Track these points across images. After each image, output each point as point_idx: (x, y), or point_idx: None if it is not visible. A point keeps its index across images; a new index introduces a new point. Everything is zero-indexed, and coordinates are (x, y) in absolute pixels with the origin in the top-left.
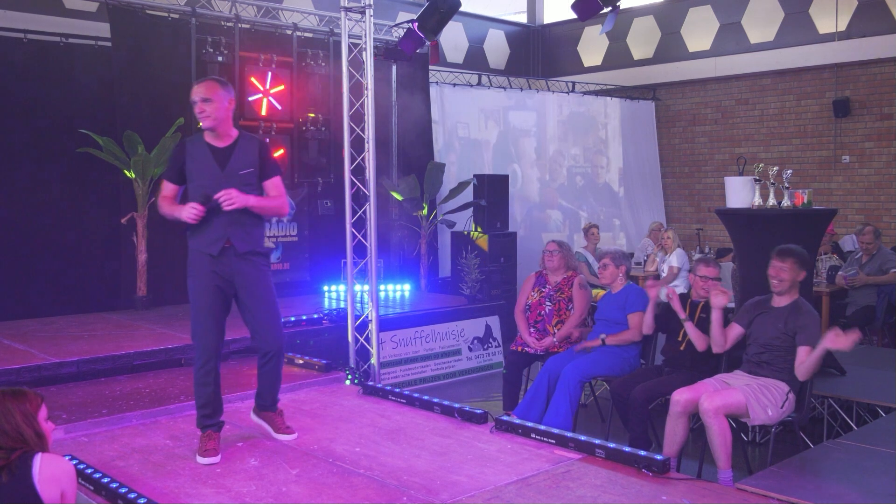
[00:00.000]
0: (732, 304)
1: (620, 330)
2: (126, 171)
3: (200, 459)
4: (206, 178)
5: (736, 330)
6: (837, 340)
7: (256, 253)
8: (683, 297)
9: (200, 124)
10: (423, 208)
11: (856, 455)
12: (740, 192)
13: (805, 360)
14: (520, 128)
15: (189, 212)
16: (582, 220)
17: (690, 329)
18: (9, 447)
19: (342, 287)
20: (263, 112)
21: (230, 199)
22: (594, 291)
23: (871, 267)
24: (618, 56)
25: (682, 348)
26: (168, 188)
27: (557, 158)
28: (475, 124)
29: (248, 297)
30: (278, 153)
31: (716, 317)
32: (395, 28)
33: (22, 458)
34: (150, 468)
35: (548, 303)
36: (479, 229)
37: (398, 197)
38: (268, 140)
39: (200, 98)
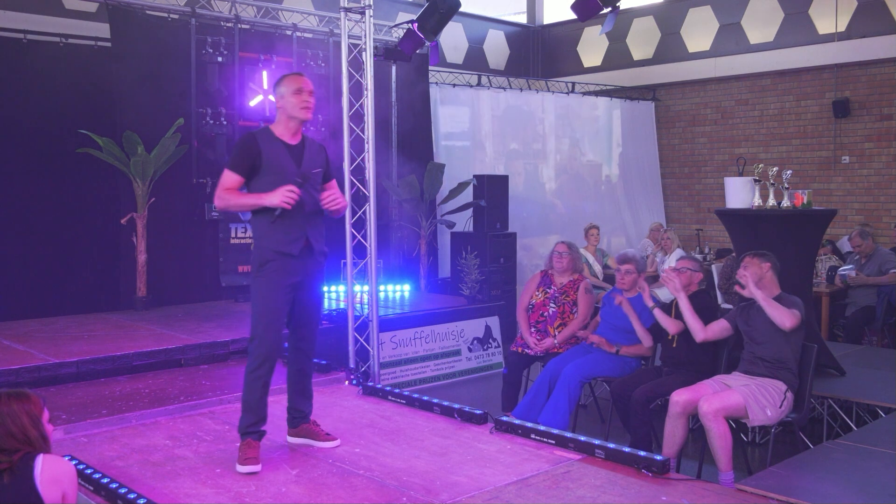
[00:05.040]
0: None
1: (627, 336)
2: (126, 171)
3: (241, 468)
4: (282, 174)
5: (721, 324)
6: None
7: (324, 252)
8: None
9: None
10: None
11: (856, 455)
12: (740, 193)
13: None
14: (519, 127)
15: (286, 195)
16: (580, 220)
17: (658, 315)
18: (12, 448)
19: (342, 287)
20: (264, 112)
21: (336, 200)
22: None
23: (871, 268)
24: (617, 56)
25: (674, 345)
26: (232, 180)
27: (556, 158)
28: (475, 124)
29: (307, 296)
30: None
31: (681, 303)
32: (395, 28)
33: (24, 459)
34: (150, 468)
35: (552, 305)
36: None
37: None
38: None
39: (308, 90)
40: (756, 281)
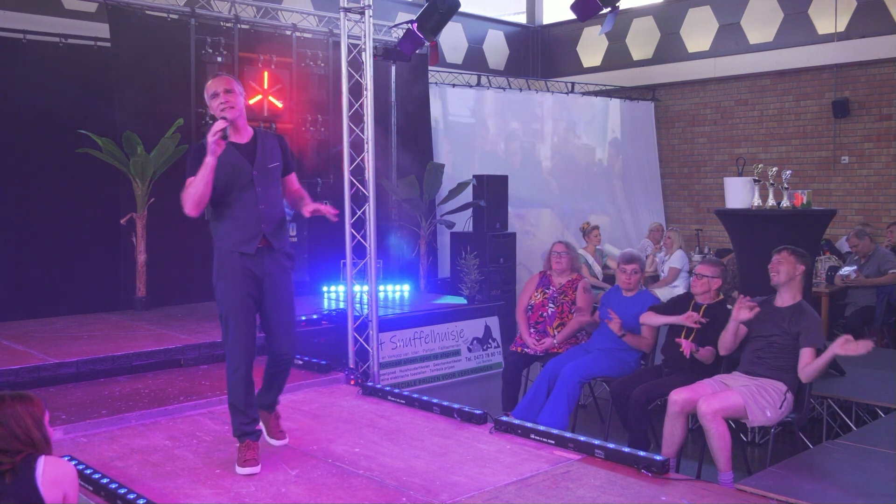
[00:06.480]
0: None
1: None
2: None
3: (240, 470)
4: (235, 175)
5: (741, 330)
6: (847, 347)
7: (286, 253)
8: (686, 297)
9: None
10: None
11: (855, 455)
12: (740, 193)
13: (810, 362)
14: (519, 128)
15: (211, 138)
16: (579, 220)
17: (703, 354)
18: (15, 450)
19: (341, 288)
20: (263, 112)
21: (324, 212)
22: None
23: (870, 268)
24: (617, 56)
25: (681, 349)
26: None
27: (556, 158)
28: (474, 124)
29: (272, 300)
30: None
31: (732, 327)
32: (395, 28)
33: (25, 460)
34: (150, 469)
35: (551, 305)
36: None
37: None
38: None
39: (223, 90)
40: (786, 278)
